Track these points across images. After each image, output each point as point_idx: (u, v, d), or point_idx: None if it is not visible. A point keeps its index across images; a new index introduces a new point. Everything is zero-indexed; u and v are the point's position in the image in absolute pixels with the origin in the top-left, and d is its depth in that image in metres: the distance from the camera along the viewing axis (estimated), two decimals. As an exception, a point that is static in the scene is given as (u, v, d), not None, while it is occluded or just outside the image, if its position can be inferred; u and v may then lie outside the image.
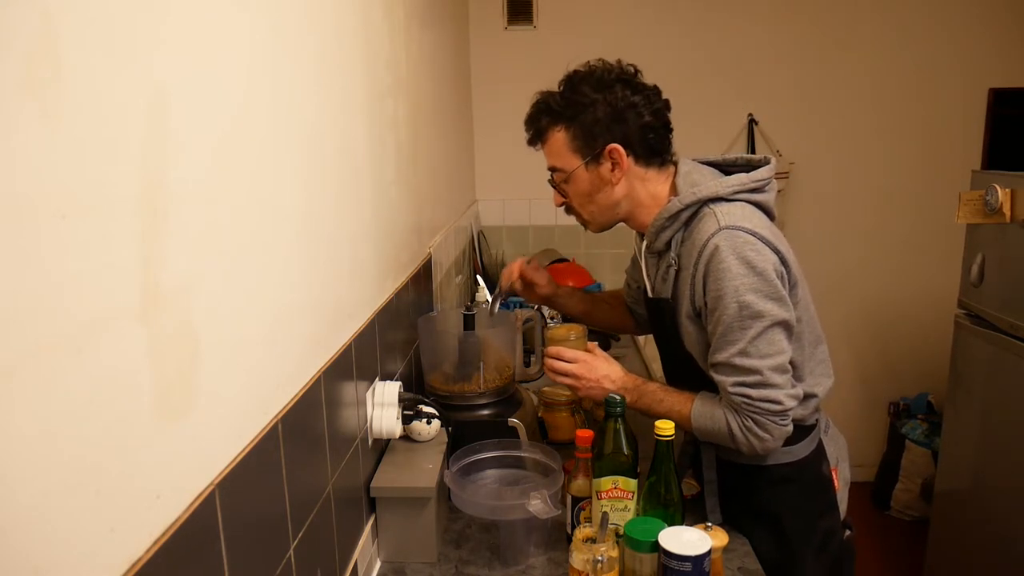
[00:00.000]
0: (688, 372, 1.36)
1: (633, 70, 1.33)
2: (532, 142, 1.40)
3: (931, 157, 3.19)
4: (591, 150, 1.31)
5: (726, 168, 1.37)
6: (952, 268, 2.57)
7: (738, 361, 1.22)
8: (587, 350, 1.42)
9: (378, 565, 1.30)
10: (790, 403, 1.23)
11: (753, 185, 1.28)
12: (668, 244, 1.32)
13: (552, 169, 1.38)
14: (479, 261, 2.84)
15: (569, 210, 1.43)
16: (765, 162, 1.33)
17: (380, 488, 1.27)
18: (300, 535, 0.93)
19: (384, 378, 1.37)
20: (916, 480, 3.15)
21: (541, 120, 1.36)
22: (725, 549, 1.20)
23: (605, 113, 1.29)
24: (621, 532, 1.17)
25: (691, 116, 3.24)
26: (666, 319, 1.36)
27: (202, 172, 0.69)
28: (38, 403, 0.48)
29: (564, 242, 3.34)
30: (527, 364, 2.01)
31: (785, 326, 1.23)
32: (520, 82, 3.24)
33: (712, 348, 1.26)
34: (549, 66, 3.27)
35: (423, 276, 1.80)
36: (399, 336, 1.52)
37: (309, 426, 0.98)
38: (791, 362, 1.25)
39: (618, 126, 1.29)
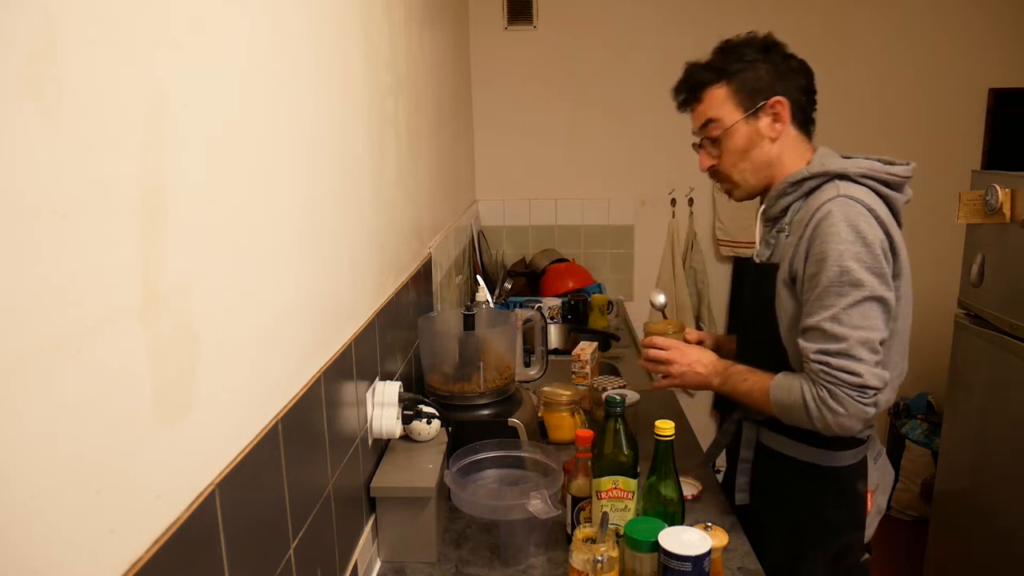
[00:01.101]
0: (759, 344, 1.35)
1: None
2: (686, 103, 1.40)
3: (931, 157, 3.18)
4: (753, 103, 1.32)
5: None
6: (952, 268, 2.57)
7: (827, 326, 1.19)
8: (685, 341, 1.50)
9: (378, 565, 1.30)
10: (873, 381, 1.18)
11: (885, 176, 1.27)
12: (784, 211, 1.33)
13: (705, 124, 1.37)
14: (479, 261, 2.84)
15: (715, 175, 1.42)
16: (903, 164, 1.32)
17: (380, 488, 1.27)
18: (300, 535, 0.93)
19: (384, 378, 1.37)
20: (916, 480, 3.15)
21: (700, 77, 1.36)
22: (725, 549, 1.20)
23: (768, 71, 1.33)
24: (621, 532, 1.17)
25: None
26: (765, 285, 1.33)
27: (202, 172, 0.69)
28: (38, 403, 0.48)
29: (564, 242, 3.34)
30: (527, 364, 2.01)
31: (883, 303, 1.20)
32: (520, 82, 3.26)
33: (805, 312, 1.24)
34: (549, 66, 3.31)
35: (423, 276, 1.80)
36: (399, 336, 1.52)
37: (309, 426, 0.98)
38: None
39: (780, 83, 1.32)
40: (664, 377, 1.47)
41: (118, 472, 0.56)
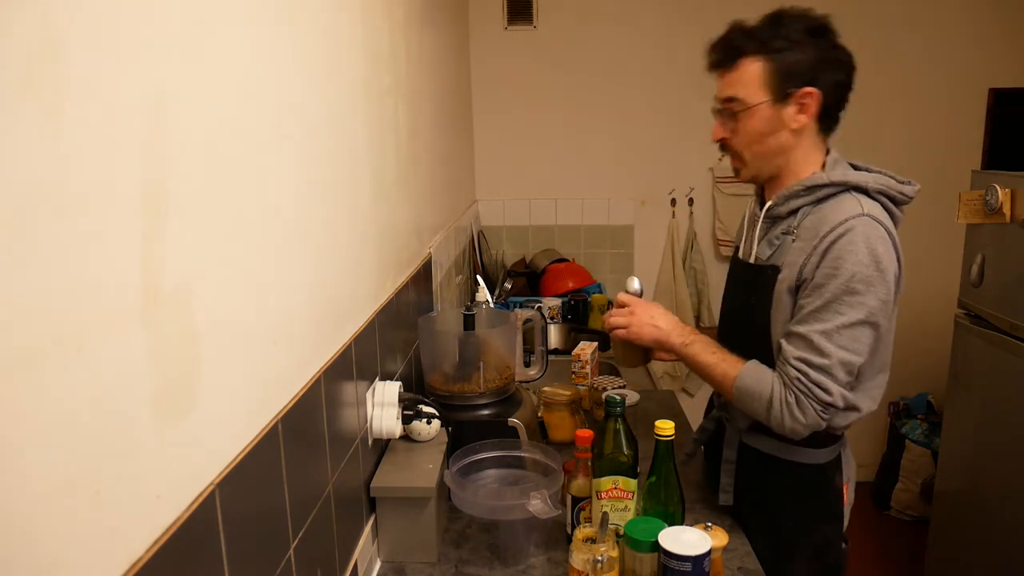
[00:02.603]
0: (747, 345, 1.35)
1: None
2: (718, 65, 1.31)
3: (931, 157, 3.19)
4: (783, 89, 1.26)
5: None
6: (952, 268, 2.57)
7: (816, 339, 1.20)
8: None
9: (378, 565, 1.30)
10: (839, 402, 1.21)
11: (896, 194, 1.27)
12: (792, 213, 1.30)
13: (728, 99, 1.30)
14: (479, 261, 2.84)
15: (724, 148, 1.36)
16: (910, 183, 1.30)
17: (380, 488, 1.27)
18: (300, 535, 0.93)
19: (384, 378, 1.37)
20: (916, 480, 3.15)
21: (742, 43, 1.27)
22: (725, 549, 1.20)
23: (810, 57, 1.25)
24: (621, 532, 1.17)
25: (691, 116, 3.25)
26: (759, 286, 1.32)
27: (203, 172, 0.69)
28: (38, 403, 0.48)
29: (564, 242, 3.34)
30: (527, 364, 2.01)
31: (876, 329, 1.21)
32: (520, 82, 3.26)
33: (796, 318, 1.24)
34: (549, 66, 3.32)
35: (423, 276, 1.80)
36: (399, 336, 1.52)
37: (309, 426, 0.98)
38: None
39: (817, 74, 1.26)
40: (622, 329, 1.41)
41: (118, 472, 0.56)
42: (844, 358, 1.20)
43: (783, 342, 1.25)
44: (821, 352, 1.20)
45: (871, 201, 1.25)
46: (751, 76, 1.27)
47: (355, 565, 1.17)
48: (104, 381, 0.54)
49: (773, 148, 1.30)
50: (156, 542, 0.60)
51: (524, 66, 3.21)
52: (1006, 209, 2.07)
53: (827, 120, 1.31)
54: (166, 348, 0.63)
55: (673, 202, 3.31)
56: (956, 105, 3.17)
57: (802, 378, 1.21)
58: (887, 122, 3.20)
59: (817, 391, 1.20)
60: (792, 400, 1.22)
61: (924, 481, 3.11)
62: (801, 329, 1.22)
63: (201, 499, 0.68)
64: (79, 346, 0.51)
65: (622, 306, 1.43)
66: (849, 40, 1.23)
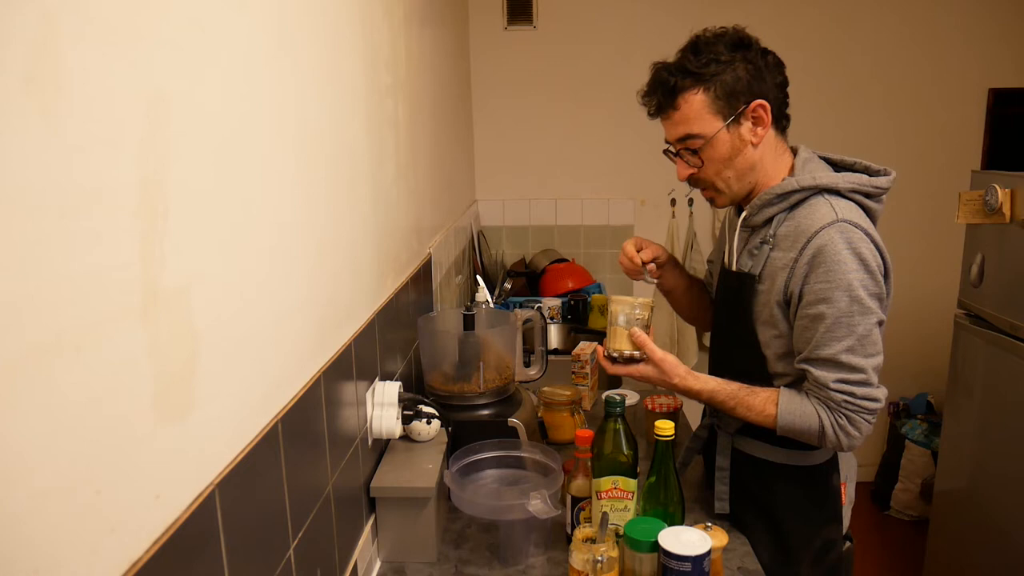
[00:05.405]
0: (738, 354, 1.35)
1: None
2: (660, 110, 1.31)
3: (931, 157, 3.19)
4: (733, 109, 1.24)
5: (842, 168, 1.34)
6: (952, 268, 2.57)
7: (845, 358, 1.20)
8: (649, 323, 1.33)
9: (378, 565, 1.30)
10: (883, 402, 1.24)
11: (870, 189, 1.27)
12: (768, 221, 1.30)
13: (684, 138, 1.28)
14: (479, 261, 2.84)
15: (695, 183, 1.34)
16: (885, 172, 1.31)
17: (380, 488, 1.27)
18: (300, 535, 0.93)
19: (384, 378, 1.37)
20: (916, 480, 3.15)
21: (674, 83, 1.26)
22: (725, 549, 1.20)
23: (746, 70, 1.24)
24: (621, 532, 1.17)
25: (691, 116, 3.25)
26: (742, 294, 1.32)
27: (202, 172, 0.69)
28: (38, 403, 0.48)
29: (564, 242, 3.34)
30: (527, 364, 2.01)
31: (882, 325, 1.23)
32: (520, 82, 3.26)
33: (814, 343, 1.22)
34: (549, 66, 3.32)
35: (423, 276, 1.80)
36: (399, 336, 1.52)
37: (309, 426, 0.98)
38: None
39: (758, 84, 1.25)
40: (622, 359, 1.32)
41: (118, 472, 0.56)
42: (874, 364, 1.22)
43: (811, 369, 1.23)
44: (855, 368, 1.21)
45: (844, 202, 1.24)
46: (698, 109, 1.25)
47: (355, 565, 1.17)
48: (104, 381, 0.54)
49: (743, 168, 1.29)
50: (156, 542, 0.60)
51: (524, 66, 3.21)
52: (1006, 209, 2.07)
53: (780, 122, 1.31)
54: (166, 348, 0.63)
55: (673, 202, 3.31)
56: (956, 105, 3.17)
57: (849, 399, 1.22)
58: (887, 122, 3.19)
59: (866, 403, 1.22)
60: (844, 422, 1.22)
61: (924, 481, 3.11)
62: (825, 353, 1.21)
63: (201, 499, 0.68)
64: (79, 346, 0.51)
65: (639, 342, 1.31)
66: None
